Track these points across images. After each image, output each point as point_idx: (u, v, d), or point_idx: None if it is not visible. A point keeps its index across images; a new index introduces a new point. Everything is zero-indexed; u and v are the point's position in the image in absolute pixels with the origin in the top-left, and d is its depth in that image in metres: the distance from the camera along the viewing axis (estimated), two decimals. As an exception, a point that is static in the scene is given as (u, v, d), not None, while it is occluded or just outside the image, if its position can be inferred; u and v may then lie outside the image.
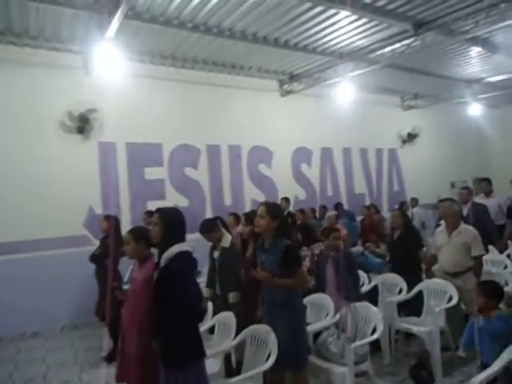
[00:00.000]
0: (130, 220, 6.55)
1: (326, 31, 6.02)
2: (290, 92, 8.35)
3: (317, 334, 3.24)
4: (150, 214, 5.48)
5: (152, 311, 2.29)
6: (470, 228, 3.90)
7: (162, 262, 2.26)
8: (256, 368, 2.60)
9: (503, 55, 7.13)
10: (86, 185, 6.29)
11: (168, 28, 5.47)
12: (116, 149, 6.65)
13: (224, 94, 7.73)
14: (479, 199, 6.23)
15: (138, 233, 2.79)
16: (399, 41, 6.13)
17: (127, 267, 4.07)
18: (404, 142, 10.51)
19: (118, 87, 6.43)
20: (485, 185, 6.35)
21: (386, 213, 9.33)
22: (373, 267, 5.70)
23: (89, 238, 6.15)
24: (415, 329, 3.60)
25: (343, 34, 6.13)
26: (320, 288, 3.94)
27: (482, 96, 9.65)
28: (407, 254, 4.37)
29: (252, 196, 7.87)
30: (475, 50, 7.11)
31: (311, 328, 3.22)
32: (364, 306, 3.30)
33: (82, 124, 6.22)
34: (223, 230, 3.73)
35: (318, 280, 4.01)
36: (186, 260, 2.28)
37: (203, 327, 3.34)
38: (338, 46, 6.58)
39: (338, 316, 3.33)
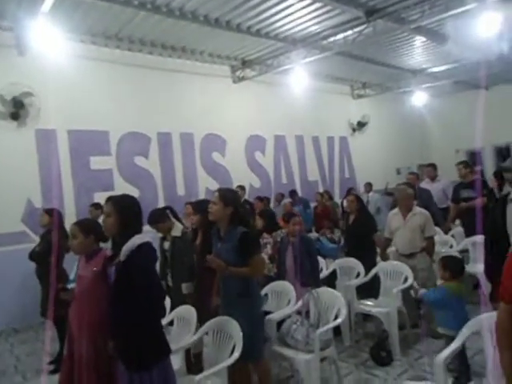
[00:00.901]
0: (75, 213, 6.09)
1: (279, 15, 5.91)
2: (242, 78, 8.18)
3: (280, 322, 3.18)
4: (96, 206, 5.28)
5: (108, 311, 2.07)
6: (423, 210, 4.03)
7: (122, 256, 2.04)
8: (220, 362, 2.47)
9: (446, 45, 7.47)
10: (23, 176, 5.74)
11: (111, 4, 5.05)
12: (56, 136, 6.11)
13: (175, 79, 7.40)
14: (425, 184, 6.51)
15: (86, 225, 2.53)
16: (351, 28, 6.18)
17: (72, 264, 3.76)
18: (354, 130, 10.78)
19: (58, 69, 5.90)
20: (430, 170, 6.64)
21: (337, 199, 9.58)
22: (328, 252, 5.79)
23: (27, 234, 5.64)
24: (374, 310, 3.66)
25: (296, 19, 6.07)
26: (281, 275, 3.89)
27: (425, 86, 10.10)
28: (362, 237, 4.47)
29: (206, 185, 7.66)
30: (420, 40, 7.38)
31: (274, 316, 3.14)
32: (325, 291, 3.29)
33: (16, 109, 5.64)
34: (173, 220, 3.61)
35: (279, 267, 3.95)
36: (149, 252, 2.08)
37: (164, 321, 3.16)
38: (291, 32, 6.51)
39: (300, 303, 3.28)
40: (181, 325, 3.04)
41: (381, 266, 4.05)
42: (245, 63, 7.93)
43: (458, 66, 8.92)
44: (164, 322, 3.10)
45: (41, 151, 5.96)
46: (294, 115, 9.17)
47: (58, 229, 4.00)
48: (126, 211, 2.13)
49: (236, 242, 2.64)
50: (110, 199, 2.16)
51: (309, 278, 3.53)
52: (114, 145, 6.68)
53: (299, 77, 7.71)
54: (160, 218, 3.53)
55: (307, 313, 3.15)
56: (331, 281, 4.48)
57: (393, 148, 11.60)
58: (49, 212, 4.32)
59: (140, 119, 6.93)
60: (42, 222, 4.31)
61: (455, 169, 5.57)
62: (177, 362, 2.73)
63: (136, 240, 2.05)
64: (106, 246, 2.60)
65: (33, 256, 4.22)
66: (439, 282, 3.85)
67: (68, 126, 6.19)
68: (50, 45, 5.54)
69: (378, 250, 4.51)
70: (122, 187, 6.66)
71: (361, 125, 10.78)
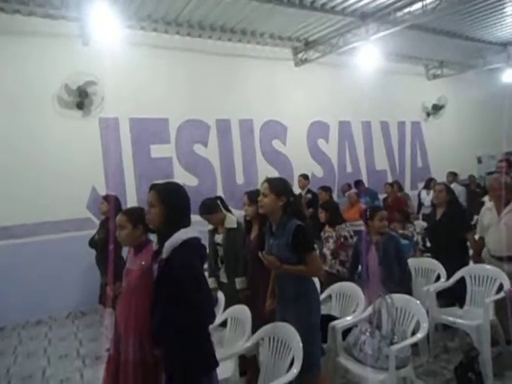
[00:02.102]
0: (137, 201, 6.14)
1: (347, -15, 5.33)
2: (305, 61, 7.68)
3: (345, 330, 2.77)
4: (105, 198, 4.42)
5: (152, 314, 1.83)
6: (525, 204, 3.32)
7: (165, 253, 1.78)
8: (277, 373, 2.15)
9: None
10: (88, 164, 5.86)
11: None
12: (119, 125, 6.16)
13: (234, 64, 7.13)
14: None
15: (135, 215, 2.32)
16: (431, -5, 5.40)
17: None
18: (428, 114, 9.77)
19: (119, 57, 5.90)
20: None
21: (408, 190, 8.77)
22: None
23: (92, 220, 5.75)
24: (460, 322, 3.10)
25: (366, -11, 5.44)
26: (353, 277, 3.46)
27: (517, 61, 8.80)
28: (453, 236, 3.72)
29: (266, 174, 7.26)
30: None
31: (339, 323, 2.74)
32: (402, 297, 2.80)
33: (81, 98, 5.74)
34: (225, 211, 3.35)
35: (351, 267, 3.51)
36: (195, 249, 1.80)
37: (217, 321, 2.91)
38: (360, 4, 5.87)
39: (369, 309, 2.84)
40: (234, 326, 2.77)
41: (468, 270, 3.44)
42: (308, 44, 7.42)
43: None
44: (216, 322, 2.86)
45: (104, 140, 6.04)
46: (360, 99, 8.48)
47: (115, 216, 3.93)
48: (172, 201, 1.86)
49: (290, 237, 2.31)
50: (153, 187, 1.90)
51: (398, 286, 3.04)
52: (173, 133, 6.61)
53: (367, 56, 7.03)
54: (213, 208, 3.28)
55: (379, 322, 2.71)
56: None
57: (473, 134, 10.38)
58: (108, 199, 4.30)
59: (199, 106, 6.78)
60: (102, 209, 4.30)
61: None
62: (229, 368, 2.47)
63: (181, 235, 1.77)
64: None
65: (92, 243, 4.23)
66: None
67: (129, 114, 6.21)
68: (111, 33, 5.52)
69: (472, 251, 3.84)
70: (181, 175, 6.61)
71: (436, 108, 9.73)
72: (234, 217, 3.39)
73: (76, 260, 5.45)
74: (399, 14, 5.92)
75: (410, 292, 3.22)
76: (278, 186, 2.40)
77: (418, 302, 2.69)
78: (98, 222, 5.53)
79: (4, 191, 5.26)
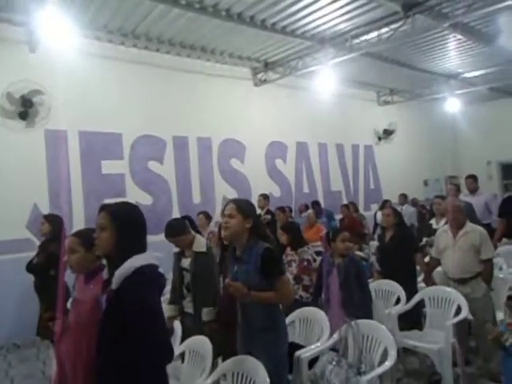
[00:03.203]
0: (84, 220, 5.70)
1: (307, 10, 5.44)
2: (264, 81, 7.74)
3: (311, 360, 2.63)
4: (46, 218, 4.03)
5: (97, 352, 1.57)
6: (478, 227, 3.43)
7: (115, 283, 1.55)
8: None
9: (483, 47, 6.88)
10: (29, 179, 5.37)
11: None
12: (67, 138, 5.75)
13: (193, 80, 7.00)
14: (464, 197, 5.88)
15: (88, 237, 2.05)
16: (386, 25, 5.66)
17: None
18: (380, 138, 10.19)
19: (70, 67, 5.55)
20: (471, 181, 6.00)
21: (362, 211, 8.97)
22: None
23: (32, 241, 5.22)
24: (422, 346, 3.07)
25: (326, 15, 5.59)
26: (317, 301, 3.35)
27: (459, 92, 9.47)
28: (401, 258, 3.80)
29: (223, 193, 7.18)
30: (458, 41, 6.79)
31: (305, 353, 2.60)
32: (368, 323, 2.73)
33: (25, 108, 5.30)
34: (194, 233, 3.05)
35: (316, 292, 3.41)
36: (150, 279, 1.58)
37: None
38: (320, 29, 6.02)
39: (335, 336, 2.73)
40: (192, 360, 2.53)
41: (426, 292, 3.46)
42: (267, 65, 7.49)
43: (496, 71, 8.29)
44: (176, 353, 2.60)
45: (50, 153, 5.60)
46: (317, 121, 8.66)
47: (57, 238, 3.56)
48: (126, 224, 1.64)
49: (258, 261, 2.15)
50: (104, 208, 1.66)
51: (359, 309, 2.95)
52: (127, 148, 6.28)
53: (324, 80, 7.22)
54: (180, 229, 2.96)
55: (345, 350, 2.60)
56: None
57: (421, 158, 10.95)
58: (49, 219, 3.91)
59: (155, 122, 6.53)
60: (43, 231, 3.89)
61: (487, 182, 4.93)
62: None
63: (134, 262, 1.55)
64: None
65: (30, 268, 3.79)
66: (500, 316, 3.26)
67: (79, 127, 5.83)
68: (63, 41, 5.19)
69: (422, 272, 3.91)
70: (134, 193, 6.27)
71: (387, 133, 10.19)
72: (204, 239, 3.12)
73: (11, 285, 4.90)
74: (356, 41, 6.14)
75: (370, 315, 3.17)
76: (245, 207, 2.25)
77: (384, 327, 2.61)
78: (38, 243, 5.07)
79: None
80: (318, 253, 4.67)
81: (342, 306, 3.04)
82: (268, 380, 1.97)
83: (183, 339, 2.80)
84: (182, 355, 2.66)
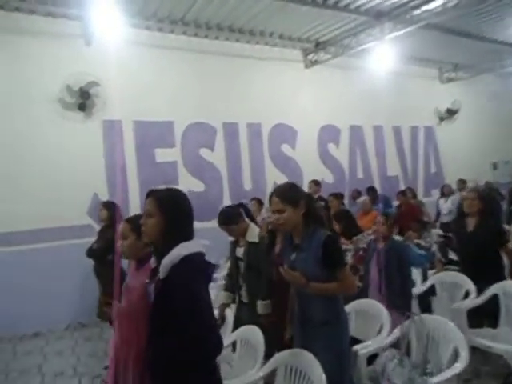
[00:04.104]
0: (140, 208, 5.86)
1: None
2: (315, 62, 7.42)
3: (370, 356, 2.46)
4: (104, 205, 4.16)
5: (148, 341, 1.54)
6: None
7: (162, 272, 1.49)
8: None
9: None
10: (89, 169, 5.61)
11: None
12: (122, 128, 5.92)
13: (243, 65, 6.89)
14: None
15: (139, 224, 2.04)
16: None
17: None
18: (442, 118, 9.43)
19: (122, 57, 5.65)
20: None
21: (422, 197, 8.42)
22: (416, 261, 4.87)
23: (93, 227, 5.47)
24: (499, 347, 2.76)
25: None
26: (363, 292, 3.16)
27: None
28: (485, 249, 3.29)
29: (274, 179, 7.03)
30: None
31: (364, 349, 2.42)
32: (431, 318, 2.49)
33: (83, 100, 5.51)
34: (248, 221, 2.94)
35: (365, 281, 3.21)
36: (198, 267, 1.50)
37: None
38: (376, 2, 5.60)
39: (396, 332, 2.52)
40: (244, 350, 2.46)
41: (502, 286, 3.11)
42: (318, 45, 7.16)
43: None
44: (226, 343, 2.55)
45: (107, 143, 5.80)
46: (372, 103, 8.18)
47: (114, 224, 3.66)
48: (173, 211, 1.56)
49: (319, 250, 1.99)
50: (151, 194, 1.60)
51: (397, 297, 2.75)
52: (178, 136, 6.35)
53: (380, 58, 6.75)
54: (233, 218, 2.86)
55: (408, 347, 2.40)
56: (425, 300, 3.62)
57: (489, 139, 10.01)
58: (107, 205, 4.03)
59: (205, 109, 6.52)
60: (101, 217, 4.03)
61: None
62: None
63: (181, 250, 1.47)
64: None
65: (90, 253, 3.95)
66: None
67: (133, 117, 5.97)
68: (115, 32, 5.31)
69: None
70: (186, 181, 6.35)
71: (450, 113, 9.40)
72: (257, 229, 2.99)
73: (76, 268, 5.17)
74: (416, 12, 5.63)
75: (409, 305, 2.93)
76: (291, 194, 2.07)
77: (453, 325, 2.36)
78: (98, 230, 5.30)
79: (1, 196, 5.02)
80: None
81: (380, 294, 2.82)
82: (324, 378, 1.84)
83: (235, 325, 2.76)
84: (234, 344, 2.61)
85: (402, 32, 5.89)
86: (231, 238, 3.05)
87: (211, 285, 4.48)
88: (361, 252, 3.50)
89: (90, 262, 4.23)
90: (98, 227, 5.31)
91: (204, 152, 6.58)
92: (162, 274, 1.48)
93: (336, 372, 1.99)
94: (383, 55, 6.58)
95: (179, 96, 6.26)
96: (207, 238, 3.25)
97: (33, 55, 5.30)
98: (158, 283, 1.52)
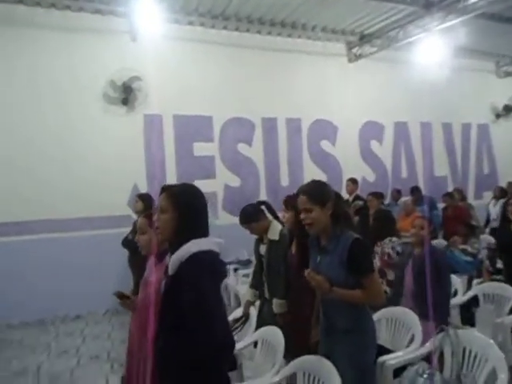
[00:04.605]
0: (177, 200, 5.97)
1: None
2: (359, 56, 7.15)
3: (398, 368, 2.31)
4: (140, 197, 4.27)
5: (157, 337, 1.53)
6: None
7: (171, 269, 1.47)
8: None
9: None
10: (131, 161, 5.79)
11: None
12: (162, 122, 6.05)
13: (283, 59, 6.78)
14: None
15: None
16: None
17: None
18: (498, 115, 8.77)
19: (164, 53, 5.77)
20: None
21: (471, 200, 7.90)
22: (460, 267, 4.57)
23: (133, 218, 5.66)
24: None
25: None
26: (397, 300, 2.99)
27: None
28: None
29: (312, 176, 6.84)
30: None
31: (390, 360, 2.29)
32: (469, 333, 2.29)
33: (126, 94, 5.68)
34: (270, 218, 2.90)
35: (397, 288, 3.04)
36: (207, 266, 1.45)
37: (244, 343, 2.59)
38: (426, -9, 5.28)
39: (428, 345, 2.36)
40: (265, 350, 2.41)
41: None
42: (363, 38, 6.89)
43: None
44: (246, 342, 2.53)
45: (147, 136, 5.96)
46: (420, 99, 7.73)
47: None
48: (187, 207, 1.53)
49: (345, 254, 1.89)
50: (165, 189, 1.58)
51: (432, 308, 2.55)
52: (217, 130, 6.39)
53: (429, 51, 6.35)
54: (254, 216, 2.84)
55: (440, 361, 2.23)
56: (467, 311, 3.37)
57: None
58: (143, 198, 4.13)
59: (244, 104, 6.50)
60: (136, 208, 4.14)
61: None
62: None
63: (191, 247, 1.44)
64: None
65: (125, 243, 4.07)
66: None
67: (173, 111, 6.08)
68: (158, 28, 5.41)
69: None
70: (223, 175, 6.40)
71: (508, 109, 8.72)
72: (279, 226, 2.95)
73: (115, 256, 5.33)
74: (471, 0, 5.23)
75: (445, 317, 2.71)
76: (319, 193, 1.97)
77: (492, 342, 2.16)
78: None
79: (51, 184, 5.30)
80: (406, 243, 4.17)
81: (415, 303, 2.63)
82: (342, 388, 1.74)
83: (261, 325, 2.74)
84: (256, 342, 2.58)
85: (453, 22, 5.50)
86: (255, 236, 3.03)
87: (242, 280, 4.45)
88: (385, 257, 3.32)
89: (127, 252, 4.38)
90: (134, 217, 5.53)
91: (242, 147, 6.57)
92: (170, 270, 1.46)
93: (358, 382, 1.88)
94: (433, 47, 6.19)
95: (219, 91, 6.28)
96: (242, 234, 3.27)
97: (81, 52, 5.53)
98: (167, 279, 1.50)
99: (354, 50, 7.14)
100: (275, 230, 2.83)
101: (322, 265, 2.00)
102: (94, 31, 5.59)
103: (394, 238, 3.43)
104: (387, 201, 7.08)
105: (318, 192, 1.97)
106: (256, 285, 3.05)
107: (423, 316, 2.58)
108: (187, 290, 1.39)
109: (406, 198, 6.71)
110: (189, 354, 1.39)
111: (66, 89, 5.43)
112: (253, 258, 4.77)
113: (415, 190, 6.83)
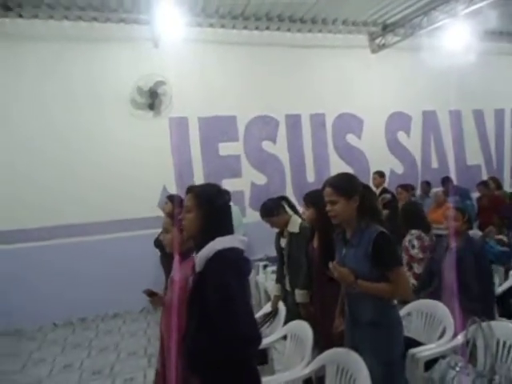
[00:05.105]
0: (205, 200, 6.09)
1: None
2: (382, 46, 7.01)
3: (429, 361, 2.29)
4: (169, 198, 4.29)
5: (185, 332, 1.61)
6: None
7: (198, 266, 1.55)
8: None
9: None
10: (159, 164, 5.96)
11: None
12: (188, 124, 6.18)
13: (305, 55, 6.75)
14: None
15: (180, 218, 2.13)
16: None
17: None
18: (534, 99, 8.35)
19: (186, 56, 5.88)
20: None
21: (508, 189, 7.58)
22: (496, 258, 4.42)
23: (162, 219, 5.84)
24: None
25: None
26: (436, 294, 2.94)
27: None
28: None
29: (338, 171, 6.80)
30: None
31: (421, 352, 2.27)
32: (505, 325, 2.24)
33: (152, 99, 5.85)
34: (290, 213, 3.03)
35: (421, 283, 3.00)
36: (231, 262, 1.52)
37: (273, 337, 2.64)
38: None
39: (460, 337, 2.32)
40: (294, 343, 2.46)
41: None
42: (386, 27, 6.75)
43: None
44: (276, 336, 2.59)
45: (174, 139, 6.10)
46: (447, 86, 7.42)
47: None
48: (211, 206, 1.60)
49: (369, 247, 1.90)
50: (190, 190, 1.67)
51: (476, 303, 2.50)
52: (241, 130, 6.46)
53: (456, 36, 6.14)
54: (273, 210, 3.00)
55: (472, 354, 2.20)
56: (505, 302, 3.27)
57: None
58: (172, 199, 4.24)
59: (267, 102, 6.53)
60: (166, 210, 4.24)
61: None
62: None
63: (216, 244, 1.51)
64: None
65: (156, 243, 4.21)
66: None
67: (198, 113, 6.20)
68: (179, 32, 5.52)
69: None
70: (249, 174, 6.47)
71: (544, 92, 8.28)
72: (299, 220, 3.06)
73: (148, 256, 5.52)
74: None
75: (490, 311, 2.64)
76: (345, 185, 1.99)
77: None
78: (167, 221, 5.62)
79: (81, 188, 5.55)
80: (440, 236, 4.08)
81: (455, 297, 2.58)
82: (369, 380, 1.76)
83: (288, 316, 2.81)
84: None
85: (481, 4, 5.30)
86: (277, 230, 3.14)
87: (271, 276, 4.50)
88: (406, 250, 3.27)
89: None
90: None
91: (266, 145, 6.61)
92: (198, 267, 1.53)
93: (385, 377, 1.88)
94: (459, 32, 5.99)
95: (241, 90, 6.35)
96: (270, 231, 3.33)
97: (107, 60, 5.74)
98: (195, 276, 1.57)
99: (377, 41, 7.01)
100: (295, 224, 2.95)
101: (347, 258, 2.02)
102: (119, 40, 5.78)
103: (414, 231, 3.38)
104: (418, 192, 6.94)
105: (344, 184, 1.99)
106: (281, 279, 3.14)
107: (465, 310, 2.52)
108: (213, 287, 1.46)
109: (437, 189, 6.55)
110: (216, 350, 1.45)
111: (97, 96, 5.65)
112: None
113: (446, 181, 6.65)
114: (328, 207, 2.01)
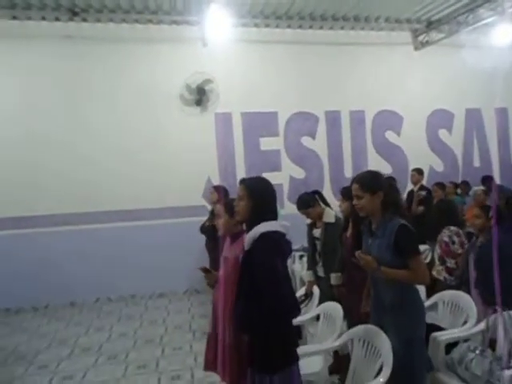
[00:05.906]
0: (246, 192, 6.45)
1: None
2: (426, 44, 7.00)
3: (450, 345, 2.51)
4: (215, 188, 4.89)
5: (235, 303, 1.96)
6: None
7: (247, 244, 1.89)
8: (365, 381, 2.08)
9: None
10: (204, 156, 6.38)
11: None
12: (232, 119, 6.55)
13: (346, 53, 6.90)
14: None
15: (231, 205, 2.48)
16: None
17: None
18: None
19: (232, 55, 6.24)
20: None
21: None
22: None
23: (207, 208, 6.26)
24: None
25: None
26: (464, 286, 3.12)
27: None
28: None
29: (377, 167, 6.91)
30: None
31: (443, 336, 2.50)
32: (524, 316, 2.41)
33: (200, 96, 6.26)
34: (323, 206, 3.36)
35: (461, 275, 3.17)
36: (273, 243, 1.83)
37: (307, 316, 2.95)
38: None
39: (482, 325, 2.52)
40: (326, 322, 2.75)
41: None
42: (430, 24, 6.74)
43: None
44: (310, 316, 2.89)
45: (219, 133, 6.50)
46: (493, 83, 7.32)
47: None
48: (259, 196, 1.94)
49: (392, 238, 2.14)
50: (242, 182, 2.02)
51: (498, 296, 2.65)
52: (282, 125, 6.74)
53: (501, 33, 6.03)
54: (310, 202, 3.34)
55: (492, 340, 2.39)
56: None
57: None
58: (217, 189, 4.64)
59: (308, 98, 6.77)
60: (212, 199, 4.66)
61: None
62: (318, 363, 2.48)
63: (261, 227, 1.84)
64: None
65: (202, 229, 4.62)
66: None
67: (241, 109, 6.54)
68: (227, 32, 5.86)
69: None
70: (288, 168, 6.74)
71: None
72: (333, 211, 3.37)
73: (192, 242, 5.95)
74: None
75: None
76: (370, 183, 2.23)
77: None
78: (209, 210, 6.04)
79: (135, 177, 6.08)
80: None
81: (478, 290, 2.74)
82: (391, 357, 2.02)
83: (319, 300, 3.10)
84: (318, 316, 2.94)
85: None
86: (308, 221, 3.47)
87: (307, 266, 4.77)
88: (443, 245, 3.43)
89: (203, 238, 4.95)
90: (209, 208, 6.12)
91: (306, 140, 6.86)
92: (246, 246, 1.88)
93: (406, 357, 2.09)
94: (505, 30, 5.89)
95: (283, 87, 6.62)
96: (304, 222, 3.62)
97: (161, 59, 6.20)
98: (244, 254, 1.92)
99: (421, 38, 7.00)
100: (330, 215, 3.27)
101: (372, 247, 2.27)
102: (171, 40, 6.22)
103: (452, 227, 3.53)
104: (459, 191, 6.90)
105: (369, 181, 2.23)
106: (312, 266, 3.45)
107: (489, 303, 2.68)
108: (258, 262, 1.79)
109: (476, 188, 6.51)
110: (262, 314, 1.78)
111: (150, 93, 6.14)
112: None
113: (487, 180, 6.58)
114: (355, 201, 2.27)
